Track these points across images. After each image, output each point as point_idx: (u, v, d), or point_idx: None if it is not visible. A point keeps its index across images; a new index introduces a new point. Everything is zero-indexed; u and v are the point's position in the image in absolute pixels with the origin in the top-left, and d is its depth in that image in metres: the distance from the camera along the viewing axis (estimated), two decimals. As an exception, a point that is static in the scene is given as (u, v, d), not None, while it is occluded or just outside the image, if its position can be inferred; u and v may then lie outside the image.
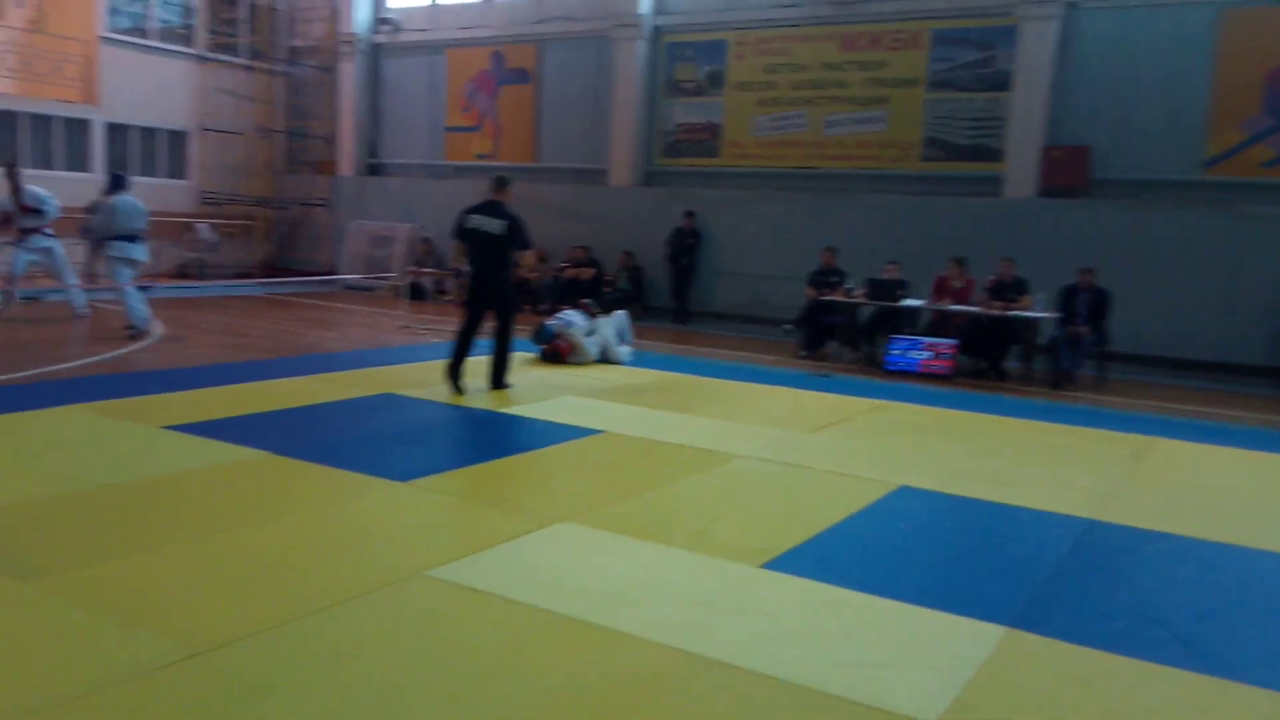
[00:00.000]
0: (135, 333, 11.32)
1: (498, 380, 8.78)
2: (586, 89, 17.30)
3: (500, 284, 8.62)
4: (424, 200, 18.87)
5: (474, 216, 8.54)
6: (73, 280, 12.38)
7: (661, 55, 16.48)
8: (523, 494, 5.85)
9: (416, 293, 16.72)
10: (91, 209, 12.30)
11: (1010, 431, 8.19)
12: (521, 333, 9.81)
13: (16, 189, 11.78)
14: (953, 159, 14.27)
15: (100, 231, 11.92)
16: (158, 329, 11.57)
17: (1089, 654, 3.84)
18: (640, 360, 11.07)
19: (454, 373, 8.58)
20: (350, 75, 19.78)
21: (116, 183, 11.90)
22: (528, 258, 9.00)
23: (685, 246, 15.61)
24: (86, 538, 4.58)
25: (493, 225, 8.43)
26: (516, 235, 8.48)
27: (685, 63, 16.29)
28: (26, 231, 11.83)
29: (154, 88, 18.93)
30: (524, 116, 18.00)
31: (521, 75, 17.96)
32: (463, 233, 8.59)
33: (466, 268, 8.84)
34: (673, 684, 3.44)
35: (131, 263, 11.45)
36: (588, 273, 15.72)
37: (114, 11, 18.48)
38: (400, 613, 3.94)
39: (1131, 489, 6.52)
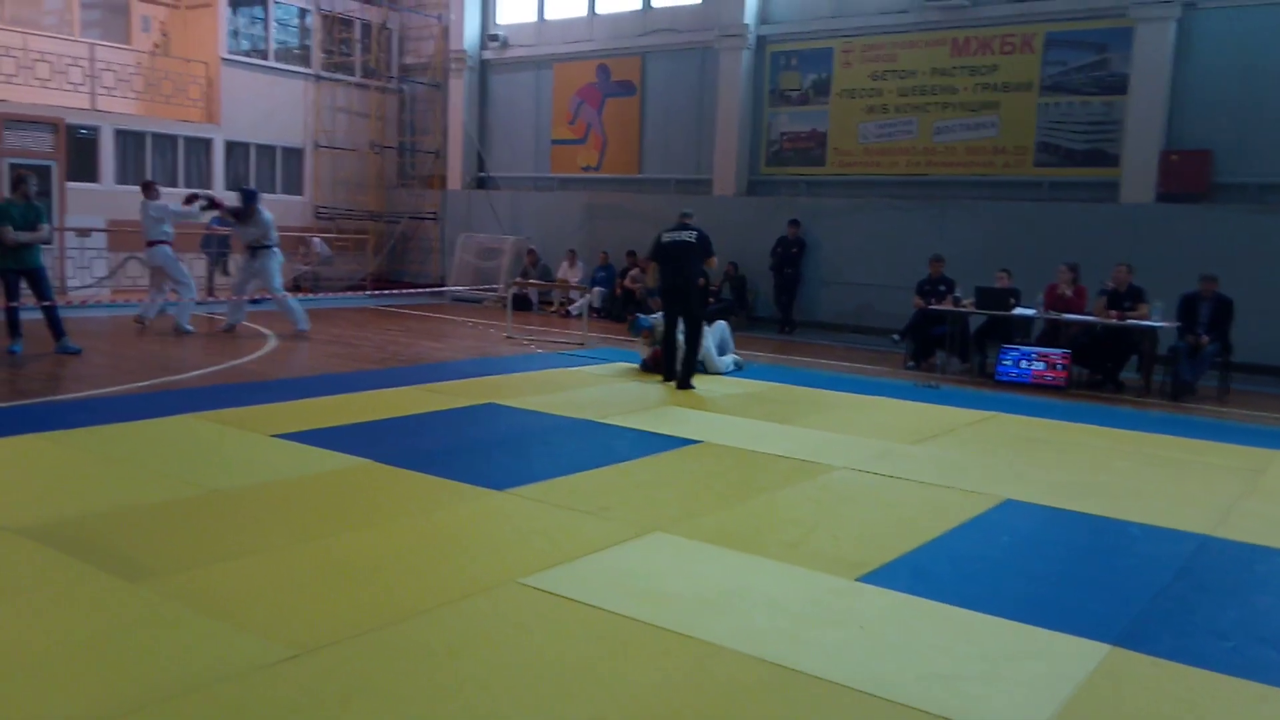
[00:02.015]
0: (304, 334, 12.25)
1: (683, 381, 9.80)
2: (690, 99, 17.36)
3: (690, 286, 9.89)
4: (530, 212, 19.18)
5: (667, 234, 10.04)
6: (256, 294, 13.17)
7: (766, 64, 16.43)
8: (617, 503, 5.84)
9: (522, 304, 16.96)
10: (233, 222, 12.87)
11: (1125, 445, 7.93)
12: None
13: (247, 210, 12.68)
14: (1067, 164, 13.89)
15: (257, 242, 12.60)
16: (271, 341, 11.99)
17: (1196, 674, 3.70)
18: (743, 370, 11.03)
19: (669, 372, 10.05)
20: (459, 91, 20.23)
21: (252, 198, 12.63)
22: (713, 263, 10.27)
23: (790, 255, 15.52)
24: (195, 541, 4.73)
25: (686, 235, 9.94)
26: (705, 241, 9.97)
27: (790, 71, 16.21)
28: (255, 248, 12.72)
29: (271, 107, 19.65)
30: (628, 128, 18.15)
31: (626, 87, 18.12)
32: (659, 248, 10.02)
33: (655, 284, 10.32)
34: (763, 695, 3.41)
35: (278, 271, 12.47)
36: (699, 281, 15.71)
37: (235, 34, 19.26)
38: (493, 619, 3.97)
39: (1250, 505, 6.24)
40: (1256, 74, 12.49)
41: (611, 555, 4.76)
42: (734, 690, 3.44)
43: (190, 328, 12.34)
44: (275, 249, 12.78)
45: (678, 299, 9.98)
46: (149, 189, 12.39)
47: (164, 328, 12.56)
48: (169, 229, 12.33)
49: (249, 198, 12.73)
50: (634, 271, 16.54)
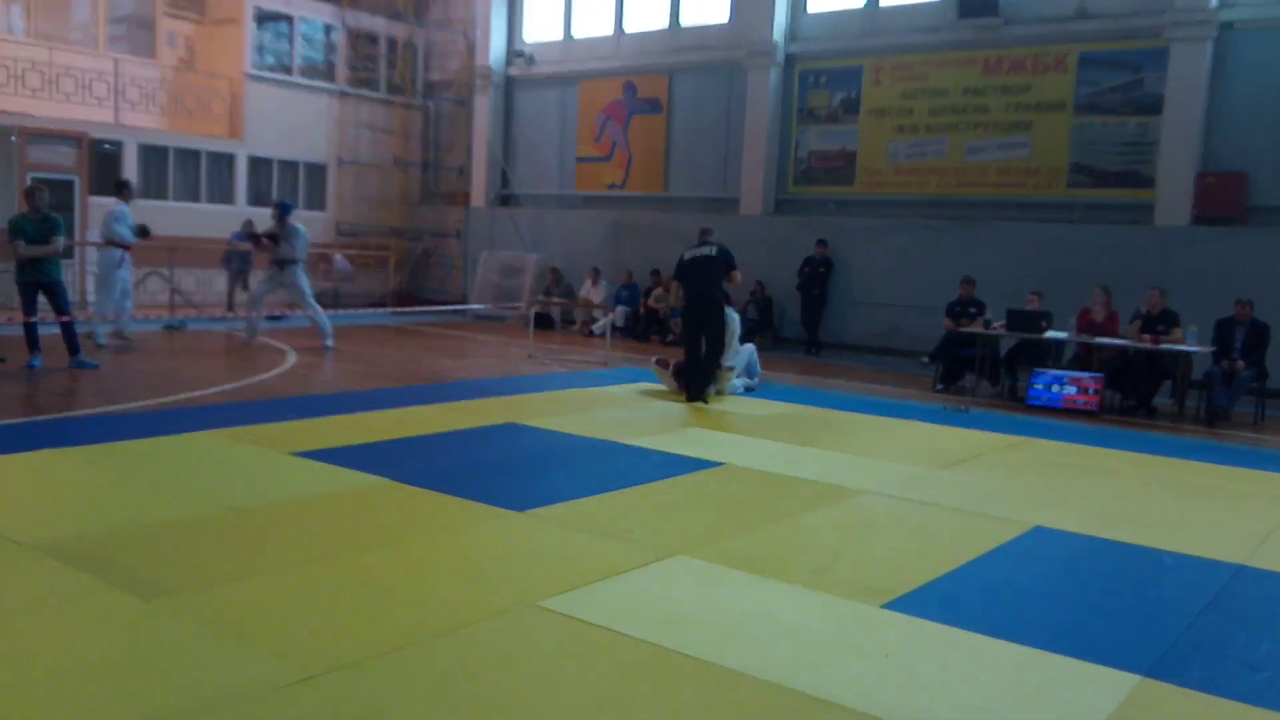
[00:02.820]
0: (329, 350, 12.33)
1: (696, 391, 9.91)
2: (717, 118, 17.31)
3: (713, 302, 9.97)
4: (554, 230, 19.16)
5: (689, 252, 10.16)
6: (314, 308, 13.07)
7: (794, 83, 16.37)
8: (639, 526, 5.76)
9: (544, 322, 16.90)
10: (276, 237, 12.77)
11: (1158, 471, 7.78)
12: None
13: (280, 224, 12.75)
14: (1100, 185, 13.71)
15: (293, 255, 12.65)
16: (292, 358, 11.98)
17: (1227, 705, 3.60)
18: (768, 392, 10.92)
19: (689, 386, 10.03)
20: (484, 108, 20.27)
21: (287, 211, 12.70)
22: (736, 277, 10.19)
23: (817, 275, 15.40)
24: (211, 560, 4.70)
25: (707, 250, 10.09)
26: (727, 255, 10.06)
27: (818, 90, 16.13)
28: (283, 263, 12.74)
29: (295, 122, 19.73)
30: (655, 146, 18.11)
31: (653, 105, 18.10)
32: (681, 266, 10.16)
33: (679, 304, 10.52)
34: (784, 726, 3.31)
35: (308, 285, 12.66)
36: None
37: (260, 49, 19.38)
38: (512, 642, 3.93)
39: (1288, 534, 6.07)
40: (1293, 96, 12.30)
41: (632, 579, 4.69)
42: (756, 718, 3.37)
43: (104, 342, 12.01)
44: (302, 264, 12.81)
45: (700, 315, 9.99)
46: (123, 190, 12.25)
47: (177, 344, 12.61)
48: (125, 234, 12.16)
49: (285, 210, 12.73)
50: (658, 291, 16.46)
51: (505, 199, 20.51)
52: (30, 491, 5.80)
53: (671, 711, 3.39)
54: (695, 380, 9.99)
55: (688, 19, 17.82)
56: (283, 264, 12.66)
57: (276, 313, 16.13)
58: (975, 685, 3.68)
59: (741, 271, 10.47)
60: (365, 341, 14.37)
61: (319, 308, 13.00)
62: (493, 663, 3.71)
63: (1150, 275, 12.01)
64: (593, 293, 17.54)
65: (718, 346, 10.05)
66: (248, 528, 5.23)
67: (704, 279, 9.97)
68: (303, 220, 19.54)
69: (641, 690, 3.55)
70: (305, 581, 4.46)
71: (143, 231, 12.46)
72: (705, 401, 9.87)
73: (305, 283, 12.85)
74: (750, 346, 11.38)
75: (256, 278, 17.46)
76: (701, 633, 4.05)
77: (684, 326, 10.25)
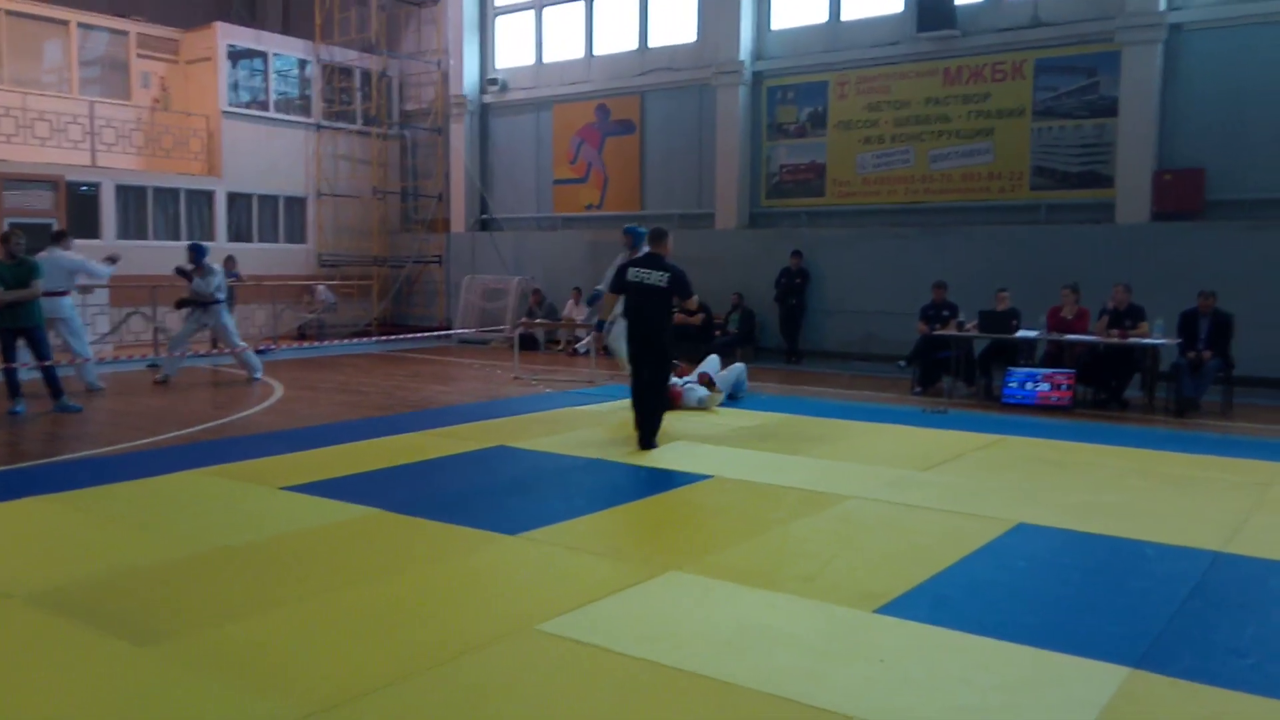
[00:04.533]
0: (258, 381, 12.40)
1: (647, 439, 8.54)
2: (689, 136, 17.57)
3: (660, 338, 8.56)
4: (535, 252, 19.35)
5: (635, 270, 8.56)
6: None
7: (763, 99, 16.64)
8: (632, 544, 5.88)
9: (528, 344, 17.05)
10: (192, 274, 12.67)
11: (1133, 463, 7.99)
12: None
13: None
14: (1062, 187, 14.04)
15: (211, 294, 12.64)
16: (278, 390, 12.07)
17: (1215, 693, 3.74)
18: (752, 402, 11.12)
19: (644, 437, 8.55)
20: (460, 135, 20.46)
21: (202, 253, 12.72)
22: (692, 304, 9.03)
23: (794, 286, 15.64)
24: (204, 601, 4.68)
25: (655, 277, 8.44)
26: (678, 286, 8.49)
27: (786, 105, 16.42)
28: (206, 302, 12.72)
29: (273, 157, 19.83)
30: (629, 166, 18.35)
31: (626, 126, 18.34)
32: (623, 286, 8.62)
33: (612, 319, 9.35)
34: (786, 731, 3.43)
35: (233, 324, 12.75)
36: (697, 318, 15.84)
37: (235, 87, 19.49)
38: (511, 667, 3.95)
39: (1260, 519, 6.30)
40: (1244, 92, 12.67)
41: (627, 597, 4.76)
42: None
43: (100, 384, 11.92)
44: (224, 303, 12.87)
45: (646, 349, 8.62)
46: (60, 238, 11.88)
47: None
48: (76, 280, 11.94)
49: (199, 253, 12.69)
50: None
51: (485, 224, 20.67)
52: (16, 540, 5.74)
53: (675, 726, 3.44)
54: (646, 425, 8.63)
55: (656, 40, 18.07)
56: (206, 304, 12.65)
57: (260, 346, 16.23)
58: (969, 686, 3.79)
59: (700, 294, 9.37)
60: (351, 371, 14.44)
61: (245, 345, 13.14)
62: (493, 689, 3.74)
63: (1115, 272, 12.33)
64: (575, 312, 17.71)
65: (663, 384, 8.82)
66: (240, 566, 5.21)
67: (653, 310, 8.54)
68: (284, 253, 19.87)
69: (641, 708, 3.61)
70: (301, 617, 4.46)
71: (114, 260, 12.42)
72: (655, 446, 8.56)
73: (230, 321, 13.00)
74: (740, 366, 11.54)
75: (239, 314, 17.59)
76: (698, 647, 4.13)
77: (631, 360, 8.83)
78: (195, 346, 13.33)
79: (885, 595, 4.77)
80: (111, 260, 12.27)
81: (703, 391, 10.79)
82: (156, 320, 15.94)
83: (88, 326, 15.84)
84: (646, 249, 8.86)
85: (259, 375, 12.97)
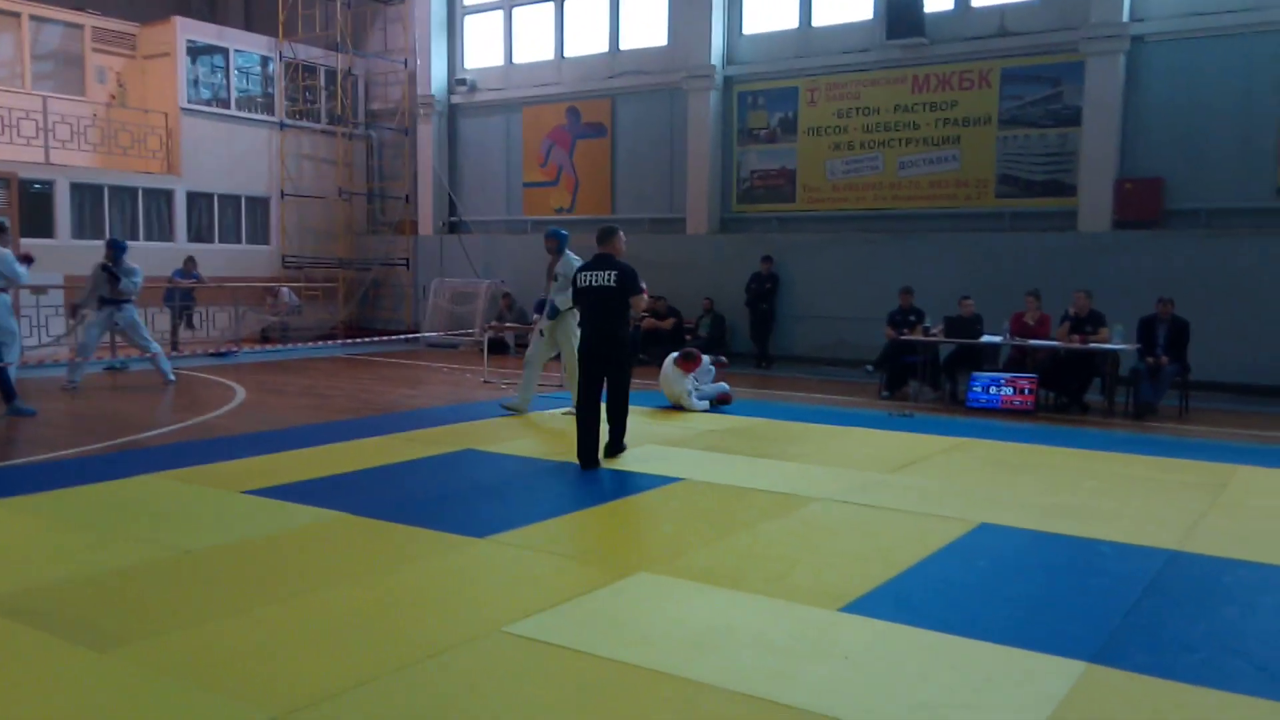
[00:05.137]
0: (173, 381, 12.27)
1: (612, 447, 8.17)
2: (661, 140, 17.65)
3: (615, 341, 7.98)
4: (504, 256, 19.33)
5: (584, 273, 8.11)
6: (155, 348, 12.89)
7: (733, 104, 16.76)
8: (599, 546, 5.91)
9: (498, 347, 17.00)
10: (116, 273, 12.29)
11: (1093, 465, 8.13)
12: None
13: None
14: (1026, 195, 14.26)
15: (130, 293, 12.34)
16: (240, 393, 11.96)
17: (1168, 686, 3.83)
18: (722, 407, 11.16)
19: (586, 456, 7.91)
20: (428, 136, 20.41)
21: (122, 249, 12.38)
22: (639, 303, 8.17)
23: (764, 291, 15.75)
24: (165, 606, 4.62)
25: (605, 277, 7.96)
26: (627, 283, 7.94)
27: (757, 110, 16.55)
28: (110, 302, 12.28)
29: (235, 156, 19.56)
30: (600, 169, 18.40)
31: (597, 129, 18.38)
32: (577, 293, 8.17)
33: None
34: (752, 730, 3.47)
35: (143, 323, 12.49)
36: (668, 323, 15.93)
37: (195, 83, 19.25)
38: (478, 670, 3.94)
39: (1214, 518, 6.44)
40: (1202, 103, 12.96)
41: (596, 599, 4.78)
42: None
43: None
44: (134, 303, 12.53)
45: (601, 358, 7.99)
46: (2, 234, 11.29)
47: (111, 383, 12.50)
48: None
49: (118, 250, 12.34)
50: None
51: (453, 226, 20.63)
52: (-31, 547, 5.57)
53: (640, 727, 3.47)
54: (610, 435, 8.15)
55: (627, 43, 18.15)
56: (119, 303, 12.29)
57: (223, 349, 16.10)
58: (931, 682, 3.85)
59: (671, 299, 9.45)
60: (316, 374, 14.31)
61: (159, 348, 12.95)
62: (460, 692, 3.73)
63: (1076, 279, 12.54)
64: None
65: (623, 397, 8.16)
66: (202, 571, 5.14)
67: (605, 312, 7.96)
68: (247, 255, 19.69)
69: (609, 709, 3.61)
70: (264, 622, 4.41)
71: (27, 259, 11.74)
72: (624, 449, 8.27)
73: (141, 322, 12.68)
74: (723, 385, 11.51)
75: (200, 316, 17.42)
76: (665, 648, 4.15)
77: (581, 371, 8.15)
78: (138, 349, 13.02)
79: (850, 594, 4.84)
80: (27, 260, 11.46)
81: (704, 404, 11.00)
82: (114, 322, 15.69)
83: (42, 328, 15.54)
84: (596, 251, 8.23)
85: (172, 379, 12.66)
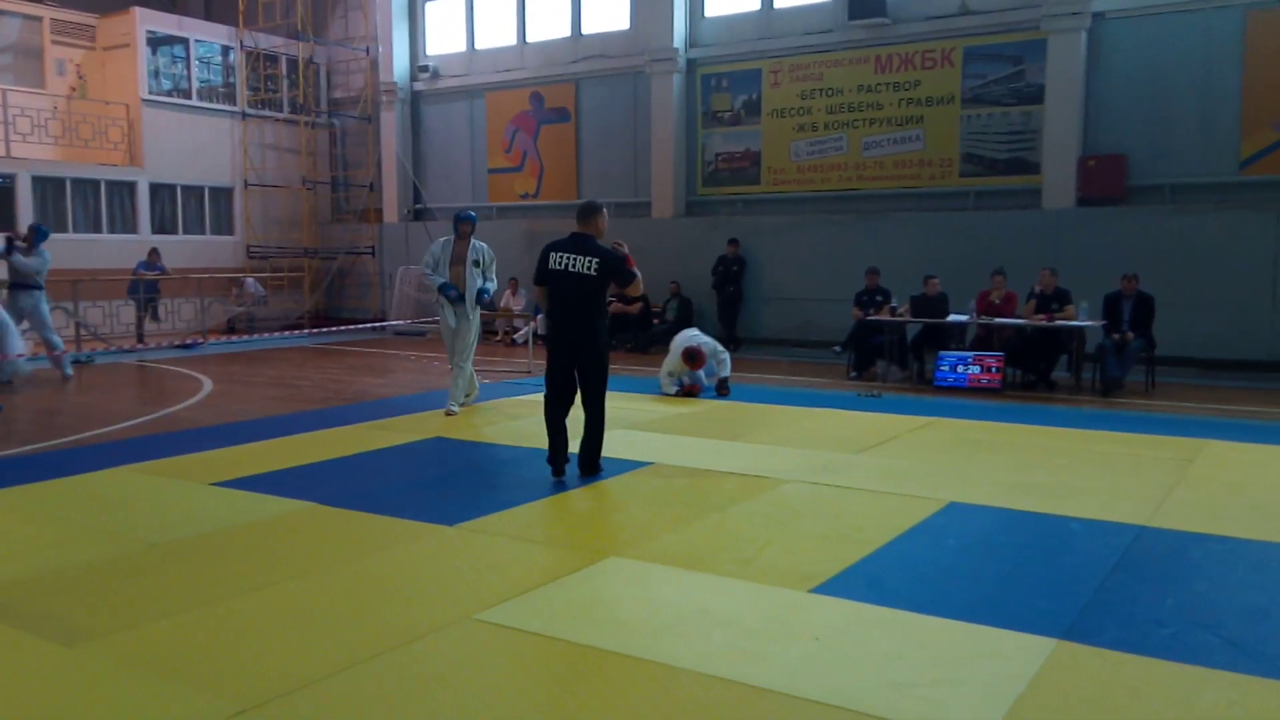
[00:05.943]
0: (70, 376, 12.06)
1: (589, 463, 7.09)
2: (625, 124, 17.58)
3: (590, 337, 6.90)
4: (470, 242, 19.13)
5: (556, 254, 6.92)
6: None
7: (697, 87, 16.70)
8: (570, 531, 5.90)
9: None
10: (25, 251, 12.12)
11: (1060, 442, 8.18)
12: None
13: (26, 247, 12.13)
14: (990, 174, 14.31)
15: (33, 279, 12.12)
16: (207, 385, 11.83)
17: (1139, 661, 3.86)
18: (691, 393, 11.12)
19: (557, 460, 7.05)
20: (391, 123, 20.25)
21: (43, 236, 12.24)
22: (638, 287, 7.18)
23: (731, 274, 15.74)
24: (133, 599, 4.58)
25: (581, 263, 6.82)
26: (613, 272, 6.90)
27: (721, 93, 16.49)
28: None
29: (197, 146, 19.40)
30: (565, 154, 18.30)
31: (561, 114, 18.27)
32: (544, 275, 6.97)
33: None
34: (725, 714, 3.47)
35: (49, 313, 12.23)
36: (635, 307, 15.87)
37: (155, 74, 19.02)
38: (450, 658, 3.93)
39: (1182, 493, 6.50)
40: (1164, 80, 13.04)
41: (567, 584, 4.78)
42: (696, 712, 3.48)
43: None
44: (42, 291, 12.31)
45: (573, 345, 6.93)
46: None
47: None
48: None
49: (39, 235, 12.21)
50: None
51: (419, 213, 20.48)
52: (-65, 543, 5.51)
53: (613, 713, 3.46)
54: (587, 445, 7.10)
55: (589, 27, 18.04)
56: (28, 288, 12.09)
57: (189, 341, 15.93)
58: (903, 661, 3.87)
59: (661, 280, 9.37)
60: (282, 365, 14.21)
61: (59, 341, 12.73)
62: (431, 680, 3.72)
63: (1042, 256, 12.62)
64: (512, 302, 17.66)
65: (599, 394, 7.02)
66: (170, 563, 5.11)
67: (579, 299, 6.86)
68: (211, 245, 19.49)
69: (581, 694, 3.63)
70: (234, 613, 4.38)
71: None
72: (601, 471, 7.16)
73: (46, 311, 12.39)
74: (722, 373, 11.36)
75: (166, 308, 17.23)
76: (638, 631, 4.15)
77: (550, 362, 7.08)
78: (120, 343, 12.91)
79: (821, 575, 4.85)
80: None
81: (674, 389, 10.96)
82: (79, 315, 15.52)
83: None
84: (574, 230, 7.09)
85: (69, 373, 12.42)
